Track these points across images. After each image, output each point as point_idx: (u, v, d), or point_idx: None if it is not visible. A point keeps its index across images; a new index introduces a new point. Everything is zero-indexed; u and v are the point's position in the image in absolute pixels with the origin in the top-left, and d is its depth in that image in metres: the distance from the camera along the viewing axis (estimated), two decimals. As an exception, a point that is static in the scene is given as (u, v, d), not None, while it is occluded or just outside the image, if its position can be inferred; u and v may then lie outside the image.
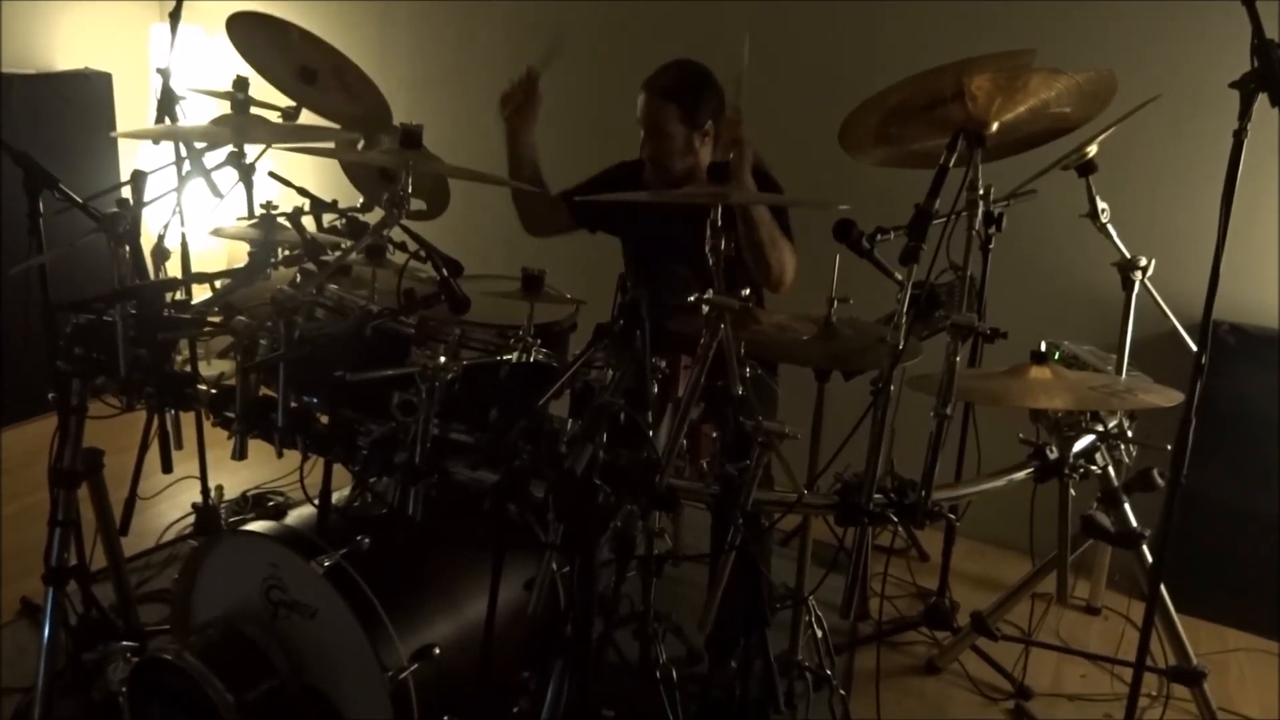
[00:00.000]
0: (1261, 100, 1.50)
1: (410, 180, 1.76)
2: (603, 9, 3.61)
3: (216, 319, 1.89)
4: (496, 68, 3.87)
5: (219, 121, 2.09)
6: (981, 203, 1.71)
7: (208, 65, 3.96)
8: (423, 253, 2.19)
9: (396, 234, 2.17)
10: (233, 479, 3.13)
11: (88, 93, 3.85)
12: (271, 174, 2.28)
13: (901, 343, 1.63)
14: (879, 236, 1.99)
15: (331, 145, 2.24)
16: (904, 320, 1.63)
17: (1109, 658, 2.57)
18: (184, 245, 2.68)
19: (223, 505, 3.03)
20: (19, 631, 2.54)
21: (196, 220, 2.60)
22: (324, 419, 1.77)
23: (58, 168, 2.09)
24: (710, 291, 1.54)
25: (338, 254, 1.83)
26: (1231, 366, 2.74)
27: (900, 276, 1.65)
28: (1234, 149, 1.58)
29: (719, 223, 1.64)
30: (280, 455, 1.73)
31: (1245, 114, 1.57)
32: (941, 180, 1.69)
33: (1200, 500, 2.83)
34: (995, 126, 1.73)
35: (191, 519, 2.99)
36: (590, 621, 1.43)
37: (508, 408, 1.73)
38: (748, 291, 1.72)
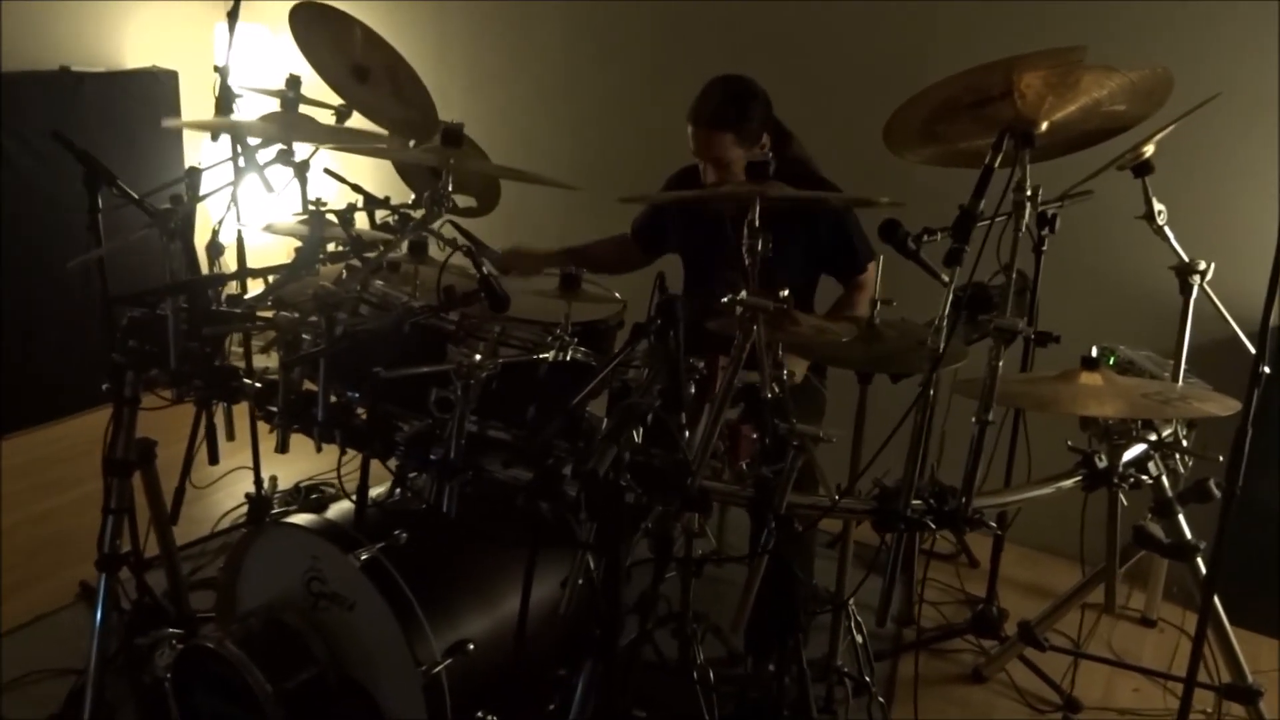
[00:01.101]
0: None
1: (450, 178, 1.77)
2: (655, 7, 3.60)
3: (266, 314, 1.93)
4: (551, 64, 3.92)
5: (268, 119, 2.12)
6: (1029, 204, 1.67)
7: (271, 63, 4.04)
8: (465, 246, 2.24)
9: (448, 231, 2.21)
10: (287, 470, 3.19)
11: (155, 90, 3.96)
12: (326, 170, 2.32)
13: (943, 346, 1.60)
14: (925, 237, 1.96)
15: (375, 144, 2.25)
16: (945, 323, 1.60)
17: (1161, 673, 2.50)
18: (240, 240, 2.74)
19: (276, 496, 3.10)
20: (78, 614, 2.62)
21: (254, 216, 2.66)
22: (363, 414, 1.79)
23: (125, 163, 2.15)
24: (744, 292, 1.53)
25: (380, 250, 1.85)
26: (1295, 374, 2.64)
27: (946, 278, 1.63)
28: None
29: (756, 223, 1.62)
30: (319, 450, 1.76)
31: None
32: (987, 180, 1.65)
33: (1262, 511, 2.73)
34: (1045, 126, 1.69)
35: (245, 509, 3.06)
36: (618, 622, 1.42)
37: (545, 406, 1.73)
38: (786, 293, 1.71)
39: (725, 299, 1.56)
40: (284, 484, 3.18)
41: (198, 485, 2.72)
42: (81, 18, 3.87)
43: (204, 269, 2.32)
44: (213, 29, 4.23)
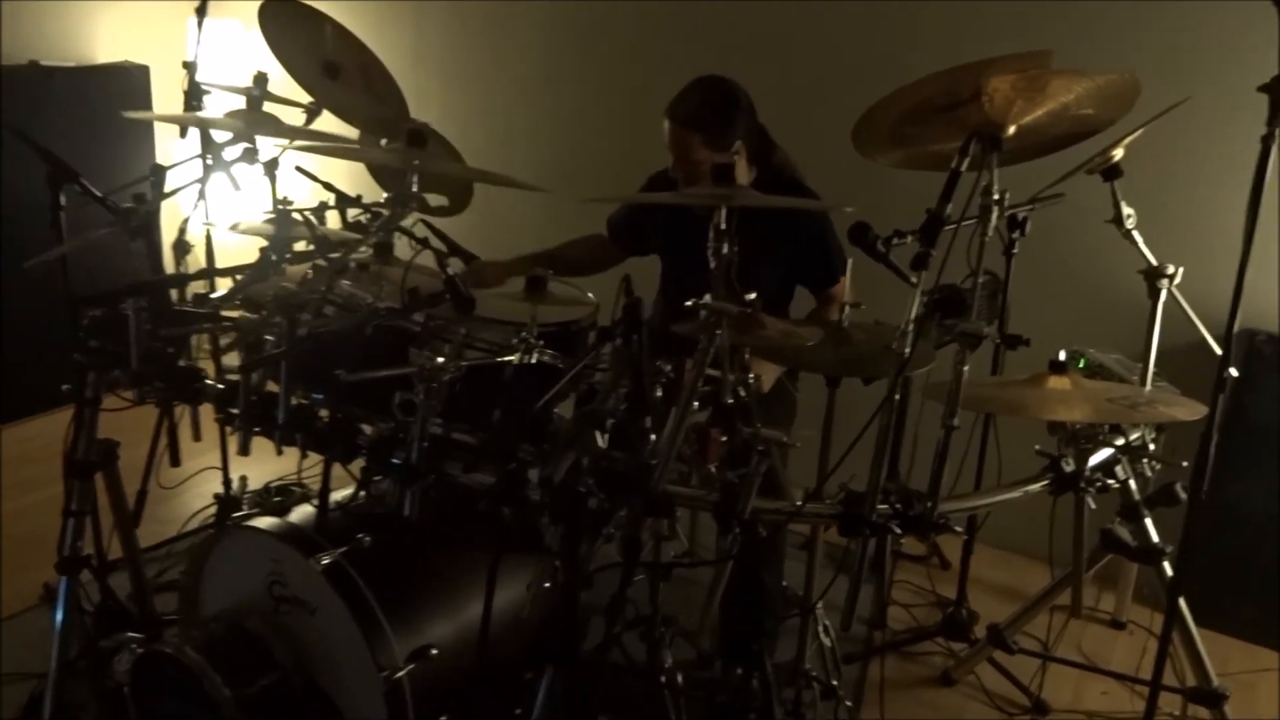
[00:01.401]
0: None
1: (416, 179, 1.75)
2: (636, 7, 3.59)
3: (231, 314, 1.90)
4: (531, 62, 3.90)
5: (232, 115, 2.10)
6: (997, 208, 1.66)
7: (245, 59, 4.00)
8: (436, 247, 2.22)
9: (420, 230, 2.19)
10: (258, 470, 3.16)
11: (127, 85, 3.90)
12: (298, 168, 2.29)
13: (908, 350, 1.59)
14: (895, 240, 1.95)
15: (340, 143, 2.23)
16: (911, 327, 1.60)
17: (1128, 676, 2.50)
18: (209, 239, 2.71)
19: (246, 496, 3.07)
20: (41, 617, 2.57)
21: (225, 214, 2.63)
22: (326, 417, 1.77)
23: (95, 159, 2.12)
24: (708, 296, 1.52)
25: (344, 251, 1.83)
26: (1271, 377, 2.66)
27: (915, 280, 1.62)
28: (1262, 154, 1.53)
29: (722, 225, 1.61)
30: (280, 453, 1.73)
31: (1275, 118, 1.52)
32: (954, 184, 1.65)
33: (1233, 514, 2.75)
34: (1013, 129, 1.69)
35: (213, 509, 3.03)
36: (577, 627, 1.41)
37: (511, 409, 1.72)
38: (753, 296, 1.70)
39: (689, 302, 1.54)
40: (254, 484, 3.15)
41: (165, 486, 2.69)
42: (51, 12, 3.82)
43: (172, 268, 2.29)
44: (185, 24, 4.17)
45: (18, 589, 2.69)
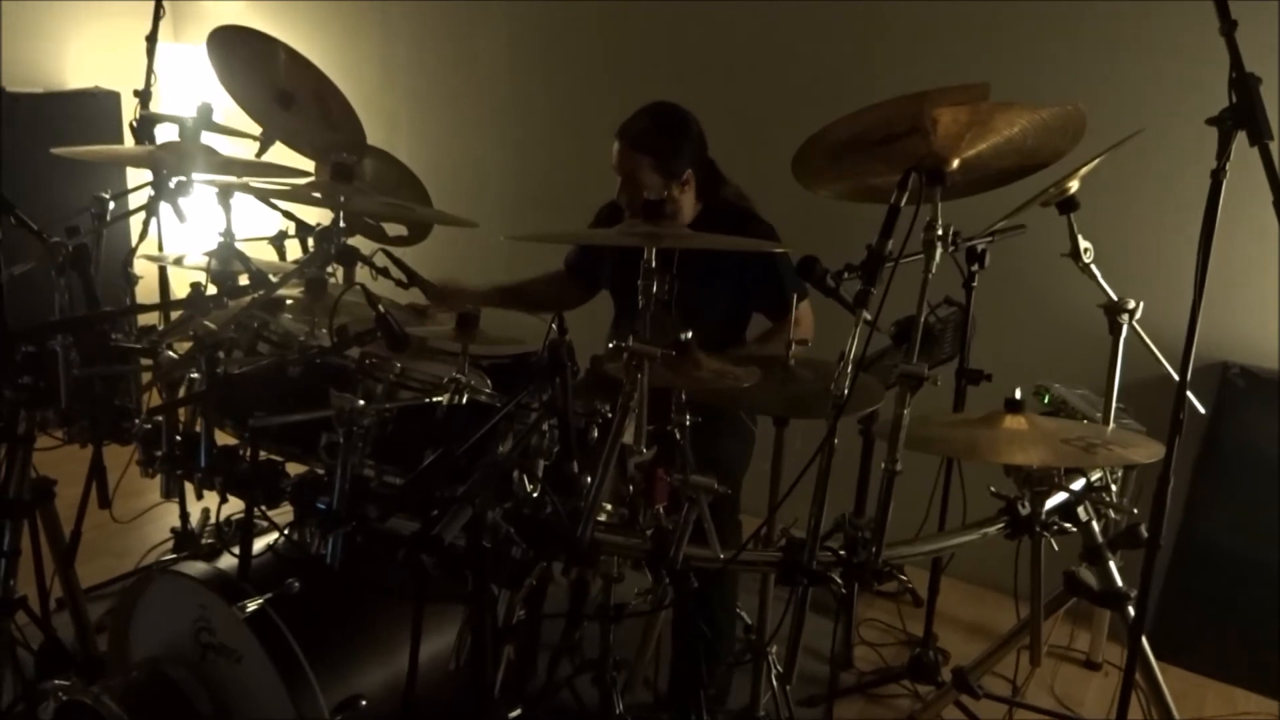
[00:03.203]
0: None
1: (342, 216, 1.70)
2: (603, 31, 3.56)
3: (158, 351, 1.85)
4: (498, 82, 3.86)
5: (165, 148, 2.05)
6: (940, 243, 1.61)
7: (208, 85, 3.96)
8: (397, 277, 2.17)
9: (380, 259, 2.14)
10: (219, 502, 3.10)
11: (96, 111, 3.87)
12: (258, 196, 2.24)
13: (845, 391, 1.54)
14: (845, 274, 1.90)
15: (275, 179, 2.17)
16: (850, 368, 1.54)
17: (1094, 721, 2.43)
18: (162, 272, 2.67)
19: (206, 529, 3.01)
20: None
21: (181, 243, 2.59)
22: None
23: (64, 186, 2.05)
24: (631, 338, 1.46)
25: (273, 284, 1.78)
26: (1241, 411, 2.59)
27: (868, 317, 1.56)
28: (1212, 188, 1.48)
29: (653, 264, 1.56)
30: (200, 497, 1.68)
31: (1223, 152, 1.47)
32: (894, 219, 1.59)
33: (1208, 553, 2.68)
34: (956, 163, 1.64)
35: (170, 543, 2.97)
36: (491, 683, 1.35)
37: (441, 452, 1.66)
38: (689, 335, 1.64)
39: (611, 344, 1.49)
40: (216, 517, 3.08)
41: (120, 520, 2.64)
42: (20, 38, 3.80)
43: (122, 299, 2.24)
44: (157, 49, 4.16)
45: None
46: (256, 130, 2.44)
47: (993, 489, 1.86)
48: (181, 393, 1.76)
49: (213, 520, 3.01)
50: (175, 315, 2.07)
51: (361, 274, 2.09)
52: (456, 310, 2.43)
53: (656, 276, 1.55)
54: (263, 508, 1.67)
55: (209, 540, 2.94)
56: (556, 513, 1.49)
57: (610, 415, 1.66)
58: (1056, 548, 1.91)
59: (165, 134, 2.50)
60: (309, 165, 2.47)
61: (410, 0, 3.93)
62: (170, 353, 1.71)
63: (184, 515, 2.88)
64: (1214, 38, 1.40)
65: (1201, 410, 2.39)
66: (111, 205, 2.29)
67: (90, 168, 3.79)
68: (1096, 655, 2.77)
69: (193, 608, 1.78)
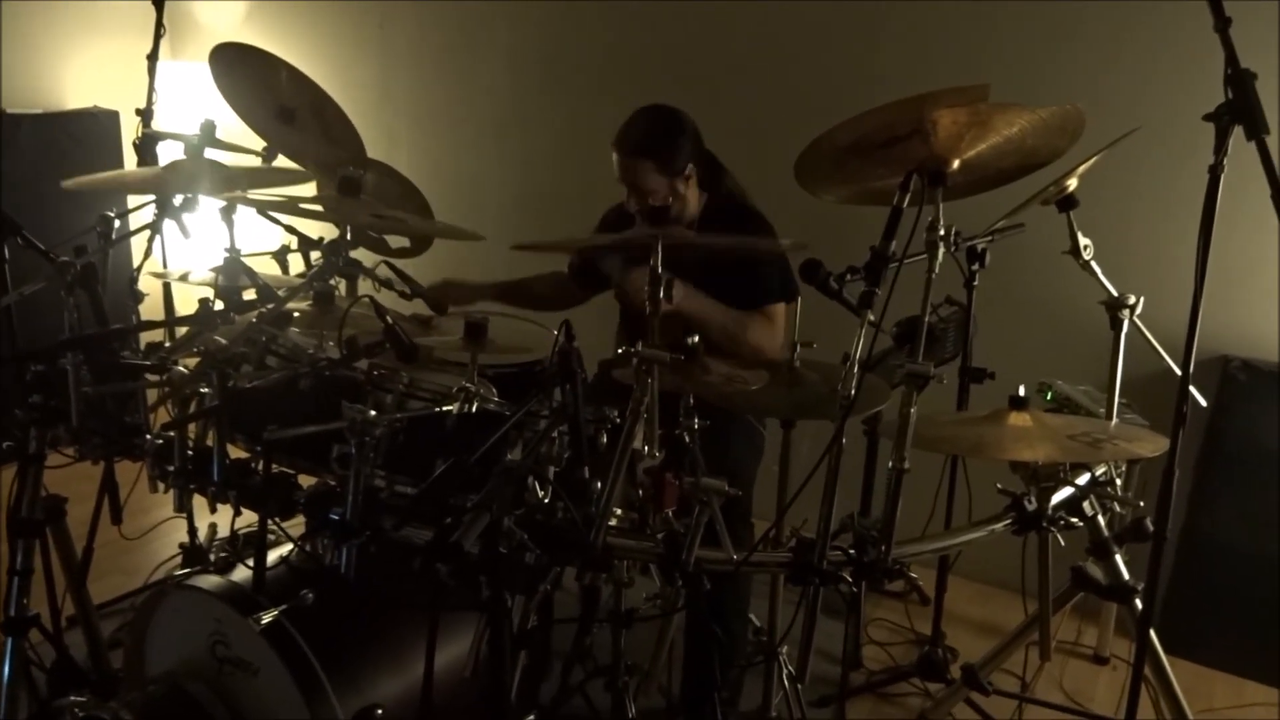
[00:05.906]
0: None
1: (350, 229, 1.71)
2: (602, 43, 3.58)
3: (167, 368, 1.86)
4: (498, 97, 3.88)
5: (169, 168, 2.07)
6: (943, 243, 1.63)
7: (212, 103, 3.98)
8: (400, 289, 2.18)
9: (383, 272, 2.15)
10: (227, 517, 3.10)
11: (96, 131, 3.90)
12: (260, 211, 2.26)
13: (853, 393, 1.55)
14: (848, 277, 1.91)
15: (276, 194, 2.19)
16: (856, 369, 1.55)
17: (1103, 716, 2.44)
18: (166, 288, 2.68)
19: (214, 544, 3.02)
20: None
21: (184, 260, 2.60)
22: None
23: (65, 207, 2.07)
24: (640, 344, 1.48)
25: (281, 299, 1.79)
26: (1243, 404, 2.61)
27: (872, 318, 1.58)
28: (1210, 184, 1.50)
29: (658, 269, 1.57)
30: (213, 510, 1.69)
31: (1220, 147, 1.48)
32: (896, 221, 1.61)
33: (1215, 546, 2.69)
34: (956, 164, 1.65)
35: (179, 559, 2.97)
36: (507, 689, 1.36)
37: (452, 461, 1.67)
38: (695, 339, 1.66)
39: (621, 349, 1.51)
40: (225, 531, 3.09)
41: (129, 537, 2.64)
42: (18, 58, 3.82)
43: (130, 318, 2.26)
44: (157, 68, 4.18)
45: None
46: (259, 145, 2.46)
47: (1000, 486, 1.87)
48: (192, 408, 1.78)
49: (220, 535, 3.06)
50: (183, 331, 2.08)
51: (364, 285, 2.12)
52: (460, 304, 2.45)
53: (663, 283, 1.56)
54: (277, 520, 1.68)
55: (219, 554, 2.96)
56: (569, 518, 1.51)
57: (620, 420, 1.68)
58: (1063, 543, 1.93)
59: (168, 152, 2.52)
60: (308, 179, 2.48)
61: (409, 6, 3.96)
62: (181, 368, 1.72)
63: (192, 530, 2.88)
64: (1210, 35, 1.41)
65: (1204, 404, 2.41)
66: (116, 224, 2.30)
67: (91, 189, 3.82)
68: (1104, 650, 2.78)
69: (208, 621, 1.79)
